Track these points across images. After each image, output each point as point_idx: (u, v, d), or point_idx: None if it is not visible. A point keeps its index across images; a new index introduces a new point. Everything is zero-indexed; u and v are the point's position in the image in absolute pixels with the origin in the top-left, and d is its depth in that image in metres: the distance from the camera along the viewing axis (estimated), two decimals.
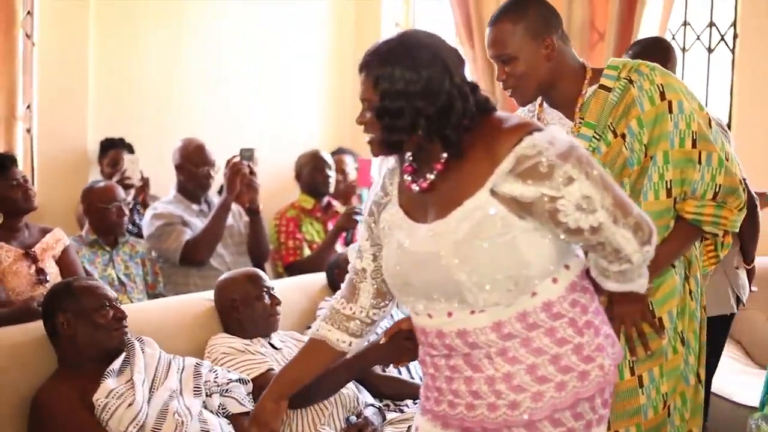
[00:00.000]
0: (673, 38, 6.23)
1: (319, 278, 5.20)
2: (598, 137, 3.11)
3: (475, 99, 2.45)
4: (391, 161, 2.66)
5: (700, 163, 3.06)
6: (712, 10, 6.33)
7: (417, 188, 2.50)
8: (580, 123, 3.14)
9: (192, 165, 5.67)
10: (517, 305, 2.41)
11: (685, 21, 6.33)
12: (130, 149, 6.20)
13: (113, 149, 6.14)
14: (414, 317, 2.58)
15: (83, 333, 3.63)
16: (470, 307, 2.42)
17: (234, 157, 5.55)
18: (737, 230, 3.23)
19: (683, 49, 6.33)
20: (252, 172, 5.54)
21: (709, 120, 3.12)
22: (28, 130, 5.86)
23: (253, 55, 7.07)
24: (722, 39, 6.27)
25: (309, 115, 7.46)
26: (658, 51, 4.34)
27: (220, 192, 6.05)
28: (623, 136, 3.07)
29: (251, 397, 3.82)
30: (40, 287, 4.46)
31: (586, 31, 5.96)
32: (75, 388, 3.53)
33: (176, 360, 3.78)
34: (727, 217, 3.11)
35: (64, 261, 4.73)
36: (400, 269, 2.51)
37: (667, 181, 3.06)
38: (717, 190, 3.09)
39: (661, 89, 3.05)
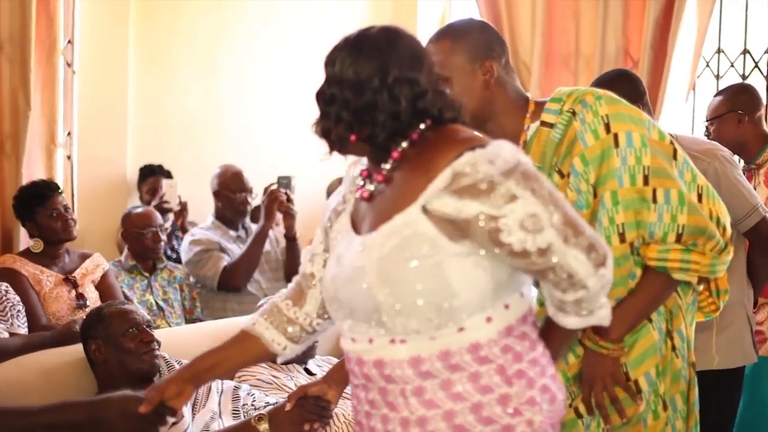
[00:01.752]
0: (707, 65, 6.24)
1: None
2: None
3: (422, 105, 2.24)
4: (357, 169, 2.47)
5: (655, 201, 2.68)
6: (746, 37, 6.32)
7: (359, 196, 2.37)
8: None
9: (229, 191, 5.73)
10: (441, 341, 2.16)
11: (719, 48, 6.33)
12: (169, 175, 6.27)
13: (152, 176, 6.21)
14: (341, 339, 2.36)
15: (114, 358, 3.68)
16: (390, 334, 2.19)
17: (272, 184, 5.61)
18: (718, 275, 2.81)
19: (717, 76, 6.32)
20: (289, 200, 5.59)
21: (674, 152, 2.75)
22: (69, 157, 5.93)
23: (290, 83, 7.12)
24: (756, 66, 6.26)
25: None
26: (624, 83, 3.91)
27: (253, 217, 6.10)
28: (569, 175, 2.73)
29: None
30: (80, 312, 4.52)
31: (620, 58, 5.97)
32: None
33: (216, 383, 3.81)
34: (699, 262, 2.70)
35: (103, 286, 4.79)
36: (332, 282, 2.33)
37: (618, 225, 2.68)
38: (680, 231, 2.68)
39: (606, 120, 2.69)
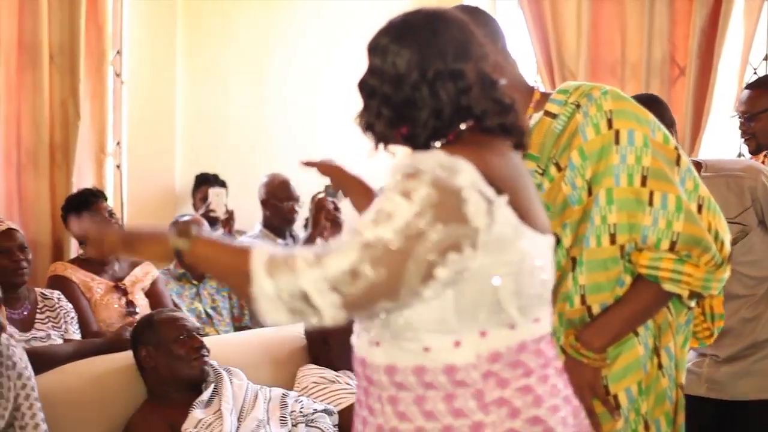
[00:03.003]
0: (755, 72, 6.20)
1: None
2: (540, 172, 2.67)
3: (465, 102, 2.07)
4: None
5: (651, 205, 2.54)
6: None
7: None
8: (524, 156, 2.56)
9: (277, 200, 5.76)
10: (415, 356, 2.01)
11: (766, 55, 6.30)
12: (223, 185, 6.32)
13: (206, 185, 6.26)
14: None
15: (164, 364, 3.72)
16: (366, 331, 2.09)
17: (319, 193, 5.62)
18: (711, 292, 2.63)
19: None
20: (337, 209, 5.61)
21: (678, 157, 2.62)
22: (118, 166, 6.01)
23: (338, 90, 7.14)
24: None
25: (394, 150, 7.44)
26: (651, 107, 3.77)
27: (305, 226, 6.13)
28: (566, 169, 2.62)
29: (337, 428, 3.84)
30: (130, 319, 4.56)
31: (666, 66, 5.95)
32: (164, 417, 3.61)
33: (263, 390, 3.83)
34: (692, 274, 2.55)
35: (153, 293, 4.83)
36: None
37: (610, 225, 2.55)
38: (674, 239, 2.54)
39: (609, 115, 2.57)
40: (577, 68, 6.02)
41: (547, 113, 2.66)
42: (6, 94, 5.49)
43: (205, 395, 3.65)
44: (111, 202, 5.39)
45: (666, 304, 2.65)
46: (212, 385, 3.71)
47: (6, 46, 5.46)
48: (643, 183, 2.55)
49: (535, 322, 2.07)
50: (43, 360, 3.76)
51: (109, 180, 5.81)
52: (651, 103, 3.65)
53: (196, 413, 3.56)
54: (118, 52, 5.95)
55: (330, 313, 1.90)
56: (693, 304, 2.69)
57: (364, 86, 2.12)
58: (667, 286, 2.56)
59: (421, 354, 1.99)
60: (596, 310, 2.59)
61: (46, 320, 4.31)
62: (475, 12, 2.72)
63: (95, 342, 4.20)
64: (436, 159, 1.94)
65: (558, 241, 2.60)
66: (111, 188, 5.79)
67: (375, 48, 2.10)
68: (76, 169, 5.54)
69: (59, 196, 5.45)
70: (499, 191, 1.97)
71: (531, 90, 2.73)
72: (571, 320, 2.63)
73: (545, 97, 2.70)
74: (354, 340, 2.17)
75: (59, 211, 5.27)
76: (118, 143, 5.96)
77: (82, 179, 5.57)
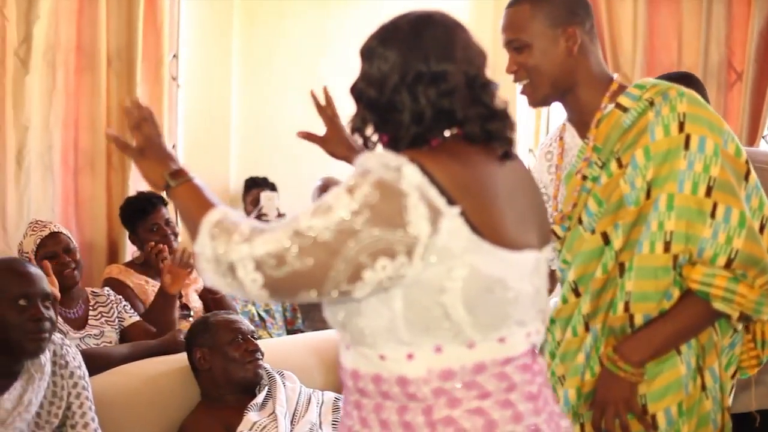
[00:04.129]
0: None
1: None
2: (600, 165, 2.59)
3: (447, 105, 2.00)
4: None
5: (713, 217, 2.43)
6: None
7: None
8: (593, 144, 2.61)
9: None
10: (371, 363, 1.99)
11: None
12: (273, 188, 6.34)
13: (256, 187, 6.29)
14: None
15: (219, 366, 3.74)
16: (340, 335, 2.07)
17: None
18: (762, 317, 2.52)
19: None
20: None
21: (747, 172, 2.51)
22: None
23: None
24: None
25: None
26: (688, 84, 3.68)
27: None
28: (627, 166, 2.52)
29: None
30: (184, 322, 4.59)
31: (723, 70, 5.90)
32: (218, 419, 3.63)
33: (316, 394, 3.84)
34: (745, 295, 2.43)
35: (209, 295, 4.85)
36: None
37: (667, 232, 2.43)
38: (732, 255, 2.43)
39: (682, 119, 2.46)
40: (632, 72, 5.99)
41: (619, 105, 2.57)
42: (64, 97, 5.53)
43: (260, 398, 3.67)
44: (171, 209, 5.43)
45: (713, 324, 2.55)
46: (266, 388, 3.73)
47: (65, 50, 5.51)
48: (708, 193, 2.44)
49: (500, 342, 1.97)
50: (98, 361, 3.80)
51: None
52: (684, 81, 3.66)
53: (251, 416, 3.58)
54: (174, 56, 5.98)
55: (251, 290, 1.89)
56: (740, 326, 2.60)
57: (353, 90, 2.11)
58: (718, 305, 2.45)
59: (378, 362, 1.98)
60: (639, 320, 2.50)
61: (99, 316, 4.35)
62: None
63: (149, 344, 4.24)
64: (382, 160, 1.90)
65: (607, 242, 2.54)
66: None
67: (364, 51, 2.09)
68: (132, 172, 5.58)
69: (115, 198, 5.50)
70: (454, 201, 1.88)
71: (609, 78, 2.64)
72: (613, 328, 2.54)
73: (622, 89, 2.61)
74: None
75: (115, 213, 5.33)
76: (173, 146, 5.99)
77: (138, 182, 5.61)
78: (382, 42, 2.05)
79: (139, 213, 4.87)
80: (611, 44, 6.09)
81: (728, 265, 2.44)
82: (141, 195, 5.08)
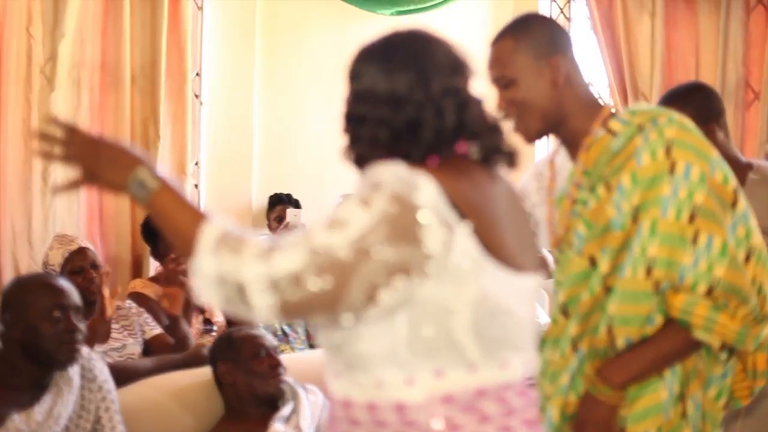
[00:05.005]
0: None
1: None
2: (590, 188, 2.54)
3: (465, 119, 1.97)
4: None
5: (695, 244, 2.40)
6: None
7: None
8: (581, 169, 2.57)
9: None
10: (365, 390, 1.90)
11: None
12: (297, 205, 6.38)
13: (280, 204, 6.33)
14: None
15: (242, 380, 3.76)
16: (330, 361, 1.97)
17: None
18: (746, 347, 2.49)
19: None
20: None
21: (735, 201, 2.47)
22: (196, 186, 6.11)
23: None
24: None
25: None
26: (695, 98, 3.55)
27: None
28: (614, 190, 2.48)
29: None
30: (208, 337, 4.64)
31: (740, 90, 5.91)
32: None
33: None
34: (726, 325, 2.41)
35: None
36: None
37: (649, 258, 2.40)
38: (714, 284, 2.40)
39: (669, 144, 2.42)
40: (650, 92, 6.02)
41: (609, 130, 2.53)
42: (89, 114, 5.61)
43: (285, 411, 3.69)
44: None
45: (695, 351, 2.51)
46: (291, 402, 3.76)
47: (90, 67, 5.59)
48: (691, 220, 2.40)
49: (501, 367, 1.92)
50: (124, 374, 3.84)
51: (192, 200, 5.88)
52: (693, 93, 3.64)
53: (278, 426, 3.61)
54: (197, 74, 6.06)
55: (263, 314, 1.77)
56: (724, 356, 2.54)
57: (350, 116, 2.02)
58: (698, 334, 2.43)
59: (373, 389, 1.88)
60: (621, 344, 2.46)
61: (122, 329, 4.40)
62: (547, 20, 2.72)
63: (174, 358, 4.28)
64: (396, 173, 1.83)
65: (594, 265, 2.51)
66: None
67: (358, 73, 2.01)
68: None
69: (139, 214, 5.53)
70: (464, 219, 1.85)
71: (598, 104, 2.59)
72: (596, 351, 2.52)
73: (613, 115, 2.57)
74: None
75: (139, 229, 5.39)
76: (196, 163, 6.06)
77: None
78: (387, 59, 1.99)
79: (157, 229, 4.92)
80: (629, 63, 6.12)
81: (709, 292, 2.41)
82: None
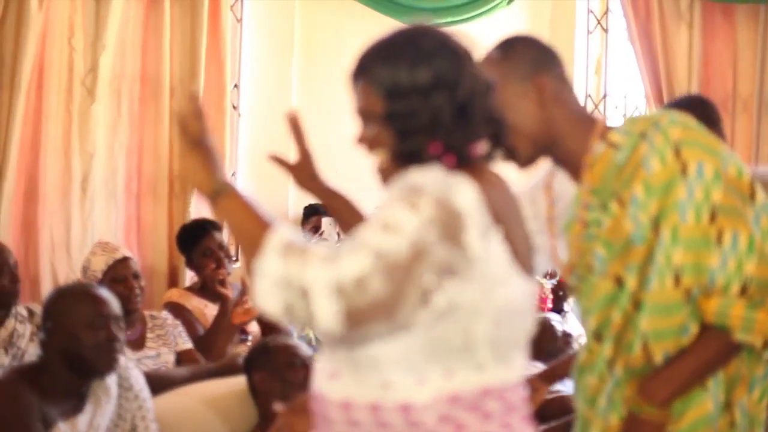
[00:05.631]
0: None
1: None
2: (601, 207, 2.42)
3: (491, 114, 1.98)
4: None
5: (720, 243, 2.29)
6: None
7: None
8: (588, 189, 2.45)
9: None
10: (371, 392, 1.88)
11: None
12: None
13: (316, 215, 6.36)
14: None
15: (277, 389, 3.75)
16: (327, 362, 1.96)
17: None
18: None
19: None
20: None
21: (753, 192, 2.37)
22: None
23: None
24: None
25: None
26: (694, 109, 3.27)
27: None
28: (628, 204, 2.36)
29: None
30: (243, 346, 4.66)
31: None
32: None
33: None
34: (766, 323, 2.30)
35: (266, 319, 4.91)
36: None
37: (675, 266, 2.30)
38: (746, 282, 2.29)
39: (677, 146, 2.32)
40: None
41: (610, 143, 2.41)
42: (129, 124, 5.67)
43: None
44: (226, 234, 5.52)
45: (737, 355, 2.39)
46: None
47: (130, 79, 5.66)
48: (712, 220, 2.30)
49: (507, 367, 1.95)
50: (159, 383, 3.87)
51: None
52: (692, 104, 3.60)
53: None
54: (235, 86, 6.10)
55: (325, 321, 1.75)
56: (767, 355, 2.42)
57: (397, 114, 1.95)
58: (739, 335, 2.31)
59: (379, 389, 1.87)
60: (658, 359, 2.36)
61: (157, 338, 4.43)
62: (530, 39, 2.55)
63: (209, 367, 4.30)
64: (437, 177, 1.83)
65: (621, 285, 2.41)
66: None
67: (392, 74, 1.95)
68: (193, 199, 5.69)
69: (176, 224, 5.58)
70: (496, 223, 1.87)
71: (592, 119, 2.49)
72: (634, 370, 2.43)
73: (609, 128, 2.46)
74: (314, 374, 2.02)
75: (175, 239, 5.44)
76: (233, 174, 6.10)
77: (199, 210, 5.72)
78: (412, 51, 1.96)
79: (192, 239, 4.96)
80: (666, 74, 6.09)
81: (743, 291, 2.30)
82: (194, 222, 5.19)
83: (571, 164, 2.49)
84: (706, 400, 2.38)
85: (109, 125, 5.58)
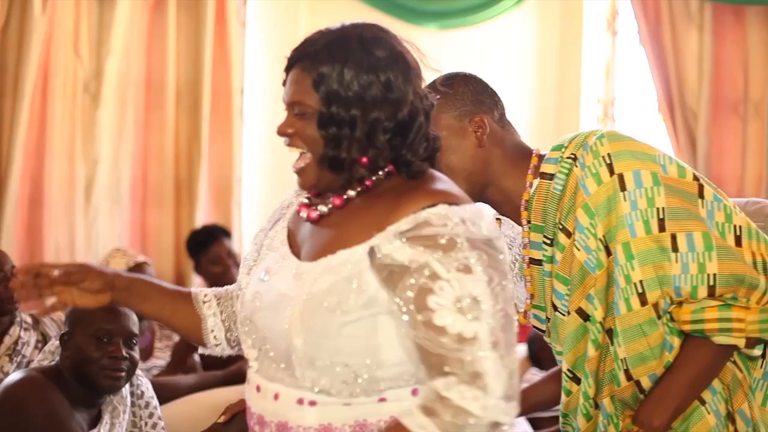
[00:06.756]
0: None
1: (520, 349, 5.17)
2: (549, 242, 2.35)
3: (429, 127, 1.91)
4: None
5: (676, 250, 2.22)
6: None
7: (305, 216, 1.96)
8: (528, 227, 2.39)
9: None
10: (357, 409, 1.83)
11: None
12: None
13: None
14: (246, 383, 2.02)
15: None
16: (297, 388, 1.85)
17: None
18: None
19: None
20: None
21: (700, 189, 2.29)
22: (238, 204, 6.10)
23: None
24: None
25: None
26: None
27: None
28: (575, 232, 2.30)
29: None
30: None
31: None
32: None
33: None
34: (743, 319, 2.22)
35: None
36: (252, 301, 1.94)
37: (636, 284, 2.22)
38: (711, 282, 2.21)
39: (609, 160, 2.25)
40: (698, 107, 5.94)
41: (543, 175, 2.36)
42: (134, 131, 5.65)
43: None
44: (236, 241, 5.50)
45: (727, 360, 2.32)
46: None
47: (135, 85, 5.63)
48: (662, 227, 2.23)
49: None
50: (166, 391, 3.84)
51: (235, 216, 5.90)
52: None
53: None
54: (241, 91, 6.06)
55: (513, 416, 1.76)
56: (759, 352, 2.34)
57: (332, 120, 1.86)
58: (719, 339, 2.24)
59: (369, 406, 1.83)
60: (646, 383, 2.30)
61: (165, 348, 4.40)
62: (471, 78, 2.47)
63: (216, 375, 4.28)
64: (456, 214, 1.78)
65: (587, 317, 2.33)
66: (236, 224, 5.88)
67: (338, 75, 1.85)
68: (199, 205, 5.65)
69: (183, 231, 5.58)
70: None
71: (529, 153, 2.44)
72: (624, 401, 2.35)
73: (542, 159, 2.40)
74: (255, 399, 1.97)
75: (183, 246, 5.41)
76: (239, 180, 6.06)
77: (204, 215, 5.68)
78: (363, 56, 1.86)
79: (200, 245, 4.94)
80: (677, 77, 6.05)
81: (711, 293, 2.23)
82: (203, 227, 5.16)
83: (509, 204, 2.42)
84: (707, 415, 2.32)
85: (114, 132, 5.56)
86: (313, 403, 1.84)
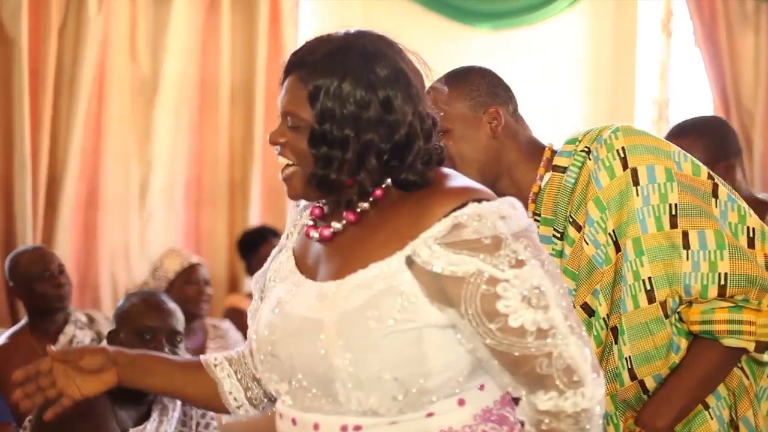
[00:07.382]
0: None
1: None
2: (559, 236, 2.31)
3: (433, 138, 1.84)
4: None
5: (687, 247, 2.16)
6: None
7: (316, 236, 1.86)
8: (537, 221, 2.33)
9: None
10: (403, 427, 1.75)
11: None
12: None
13: None
14: (277, 419, 1.88)
15: None
16: (340, 413, 1.76)
17: None
18: None
19: None
20: None
21: (714, 188, 2.24)
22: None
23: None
24: None
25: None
26: (710, 130, 3.28)
27: None
28: (585, 226, 2.26)
29: None
30: None
31: None
32: None
33: None
34: (753, 321, 2.15)
35: None
36: (269, 334, 1.84)
37: (644, 281, 2.18)
38: (722, 281, 2.15)
39: (623, 154, 2.22)
40: (755, 107, 5.91)
41: (556, 168, 2.33)
42: (188, 132, 5.67)
43: None
44: None
45: (735, 364, 2.26)
46: None
47: (189, 86, 5.65)
48: (674, 223, 2.19)
49: None
50: None
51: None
52: (711, 123, 3.45)
53: None
54: None
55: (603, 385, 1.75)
56: (767, 357, 2.26)
57: (324, 139, 1.77)
58: (728, 342, 2.18)
59: (417, 422, 1.75)
60: (650, 384, 2.26)
61: (218, 349, 4.43)
62: (486, 71, 2.46)
63: None
64: (491, 212, 1.72)
65: (592, 312, 2.28)
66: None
67: (335, 90, 1.77)
68: (252, 206, 5.67)
69: (236, 232, 5.61)
70: None
71: (542, 148, 2.41)
72: (626, 401, 2.32)
73: (555, 152, 2.38)
74: (287, 430, 1.85)
75: (235, 246, 5.43)
76: None
77: (258, 216, 5.70)
78: (364, 72, 1.78)
79: (251, 246, 4.98)
80: (732, 79, 6.01)
81: (722, 293, 2.17)
82: (254, 229, 5.19)
83: (521, 196, 2.24)
84: (709, 420, 2.26)
85: (169, 133, 5.58)
86: (357, 428, 1.76)
